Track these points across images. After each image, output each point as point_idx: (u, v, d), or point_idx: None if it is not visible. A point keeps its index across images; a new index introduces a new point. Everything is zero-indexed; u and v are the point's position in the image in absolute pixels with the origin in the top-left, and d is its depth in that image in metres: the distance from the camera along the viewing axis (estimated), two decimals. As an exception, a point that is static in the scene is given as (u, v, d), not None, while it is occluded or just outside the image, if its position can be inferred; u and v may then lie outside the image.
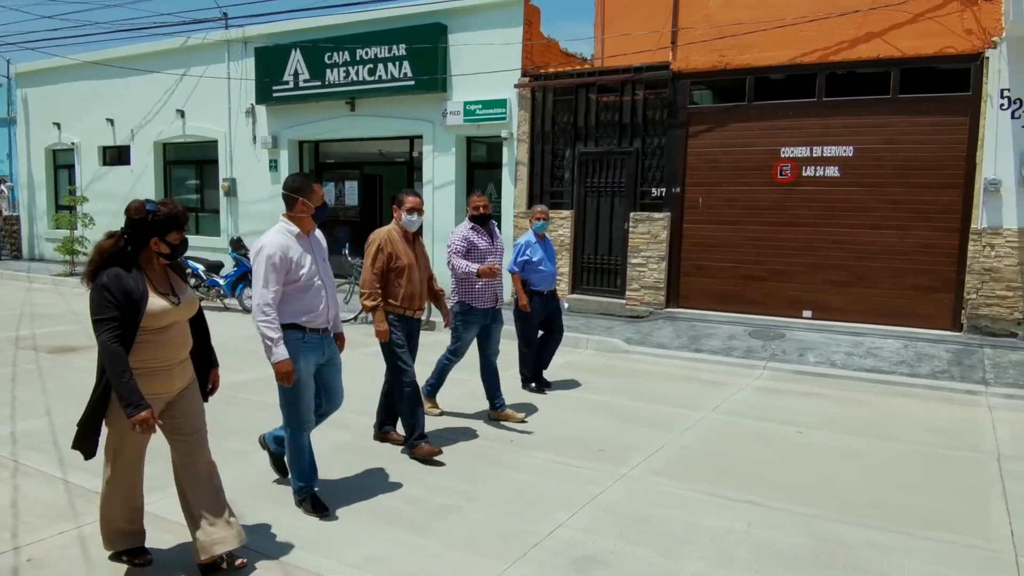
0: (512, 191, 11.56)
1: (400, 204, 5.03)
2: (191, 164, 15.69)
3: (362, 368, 6.78)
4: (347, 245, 11.10)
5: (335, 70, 12.59)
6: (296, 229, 4.00)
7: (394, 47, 11.96)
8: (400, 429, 5.25)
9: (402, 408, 5.05)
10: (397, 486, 4.55)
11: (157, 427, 3.18)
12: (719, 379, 7.72)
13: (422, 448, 4.95)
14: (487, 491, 4.52)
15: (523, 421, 5.94)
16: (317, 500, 4.13)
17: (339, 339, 4.32)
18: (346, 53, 12.41)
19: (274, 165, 13.84)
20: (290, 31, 13.23)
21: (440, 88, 11.81)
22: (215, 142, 14.65)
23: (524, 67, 11.28)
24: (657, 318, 10.27)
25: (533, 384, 6.97)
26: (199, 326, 3.55)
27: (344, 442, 5.30)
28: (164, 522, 3.82)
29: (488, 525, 4.04)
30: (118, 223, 3.24)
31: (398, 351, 4.99)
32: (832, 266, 9.51)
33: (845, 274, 9.45)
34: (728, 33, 9.65)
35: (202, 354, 3.56)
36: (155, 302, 3.20)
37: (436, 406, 6.05)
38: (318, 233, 4.19)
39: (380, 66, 12.13)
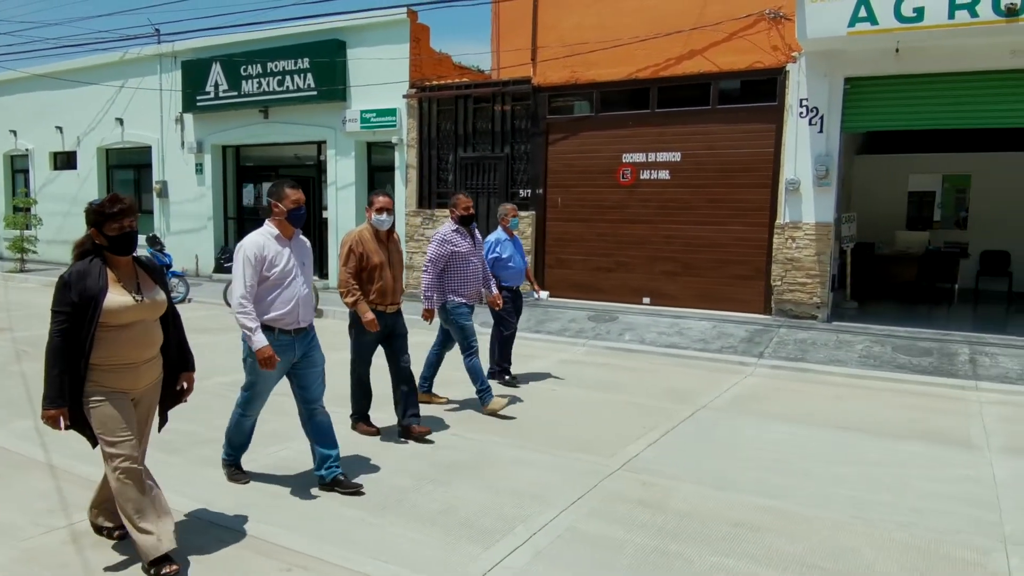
0: (404, 192, 12.72)
1: (371, 205, 5.22)
2: (130, 168, 16.91)
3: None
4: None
5: (250, 81, 13.79)
6: (276, 231, 4.18)
7: (299, 61, 13.16)
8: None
9: (354, 403, 5.53)
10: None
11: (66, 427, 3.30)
12: (537, 354, 8.85)
13: (360, 427, 5.53)
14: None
15: (447, 400, 6.36)
16: (239, 468, 4.55)
17: None
18: (259, 66, 13.60)
19: (200, 168, 15.04)
20: (211, 46, 14.43)
21: (340, 98, 12.99)
22: (149, 148, 15.86)
23: (412, 79, 12.46)
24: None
25: (507, 376, 7.21)
26: (172, 327, 3.55)
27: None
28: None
29: (291, 458, 4.94)
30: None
31: (362, 347, 5.32)
32: (666, 258, 10.68)
33: (676, 265, 10.62)
34: (576, 52, 10.82)
35: (174, 355, 3.57)
36: (114, 298, 3.21)
37: (502, 399, 6.13)
38: (303, 238, 4.41)
39: (288, 78, 13.33)
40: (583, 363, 8.46)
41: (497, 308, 6.68)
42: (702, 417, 6.23)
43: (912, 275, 12.52)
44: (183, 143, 15.23)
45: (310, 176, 15.31)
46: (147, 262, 3.51)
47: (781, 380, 7.75)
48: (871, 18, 8.55)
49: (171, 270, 12.56)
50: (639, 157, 10.74)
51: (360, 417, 5.60)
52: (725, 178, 10.21)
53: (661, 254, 10.70)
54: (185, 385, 3.66)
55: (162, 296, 3.44)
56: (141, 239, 14.59)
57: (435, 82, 12.48)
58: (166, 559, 3.30)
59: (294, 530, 3.87)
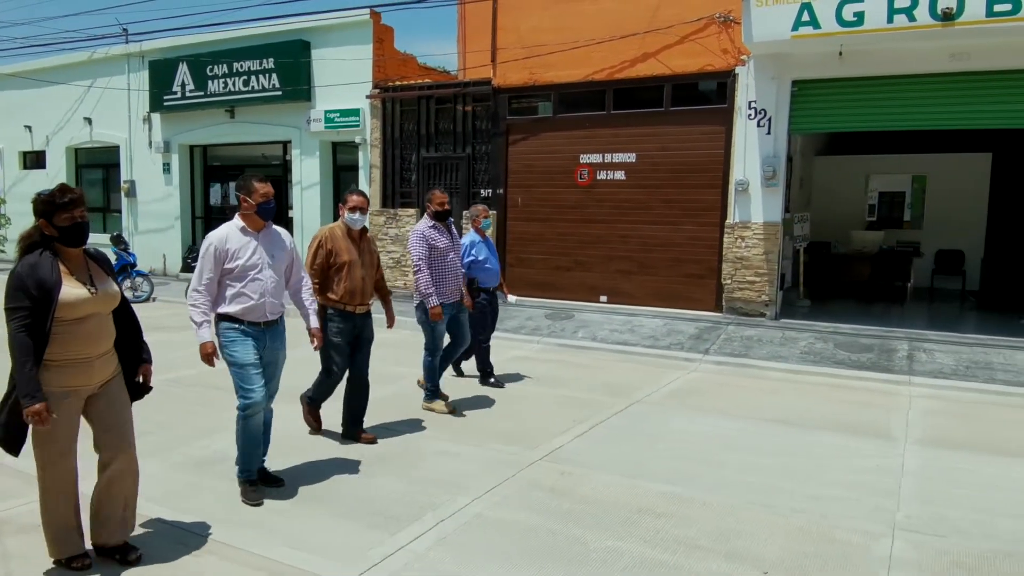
0: (367, 191, 12.82)
1: (344, 203, 5.19)
2: (99, 168, 16.94)
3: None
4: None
5: (216, 81, 13.87)
6: (242, 224, 4.20)
7: (264, 61, 13.26)
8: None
9: (315, 389, 5.45)
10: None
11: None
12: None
13: (307, 411, 5.53)
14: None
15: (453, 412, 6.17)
16: (254, 487, 4.26)
17: (312, 333, 4.51)
18: (224, 66, 13.69)
19: (167, 168, 15.10)
20: (178, 46, 14.49)
21: (305, 98, 13.10)
22: (118, 147, 15.90)
23: (376, 80, 12.59)
24: (482, 304, 11.57)
25: (492, 380, 7.26)
26: (126, 320, 3.49)
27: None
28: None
29: (219, 450, 5.24)
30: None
31: (330, 349, 5.14)
32: (622, 257, 10.87)
33: (632, 264, 10.81)
34: (535, 53, 10.98)
35: (131, 349, 3.51)
36: (69, 291, 3.16)
37: (445, 404, 6.20)
38: (279, 230, 4.40)
39: (253, 78, 13.43)
40: (534, 360, 8.62)
41: (471, 309, 6.75)
42: (634, 411, 6.40)
43: (867, 274, 12.78)
44: (151, 143, 15.28)
45: (276, 176, 15.47)
46: (96, 253, 3.46)
47: (723, 376, 7.94)
48: (814, 22, 8.76)
49: (136, 269, 12.63)
50: (596, 158, 10.92)
51: (313, 402, 5.52)
52: (678, 179, 10.41)
53: (617, 253, 10.89)
54: (142, 378, 3.60)
55: (115, 288, 3.41)
56: (104, 238, 14.71)
57: (398, 83, 12.61)
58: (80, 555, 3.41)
59: (209, 518, 4.00)
